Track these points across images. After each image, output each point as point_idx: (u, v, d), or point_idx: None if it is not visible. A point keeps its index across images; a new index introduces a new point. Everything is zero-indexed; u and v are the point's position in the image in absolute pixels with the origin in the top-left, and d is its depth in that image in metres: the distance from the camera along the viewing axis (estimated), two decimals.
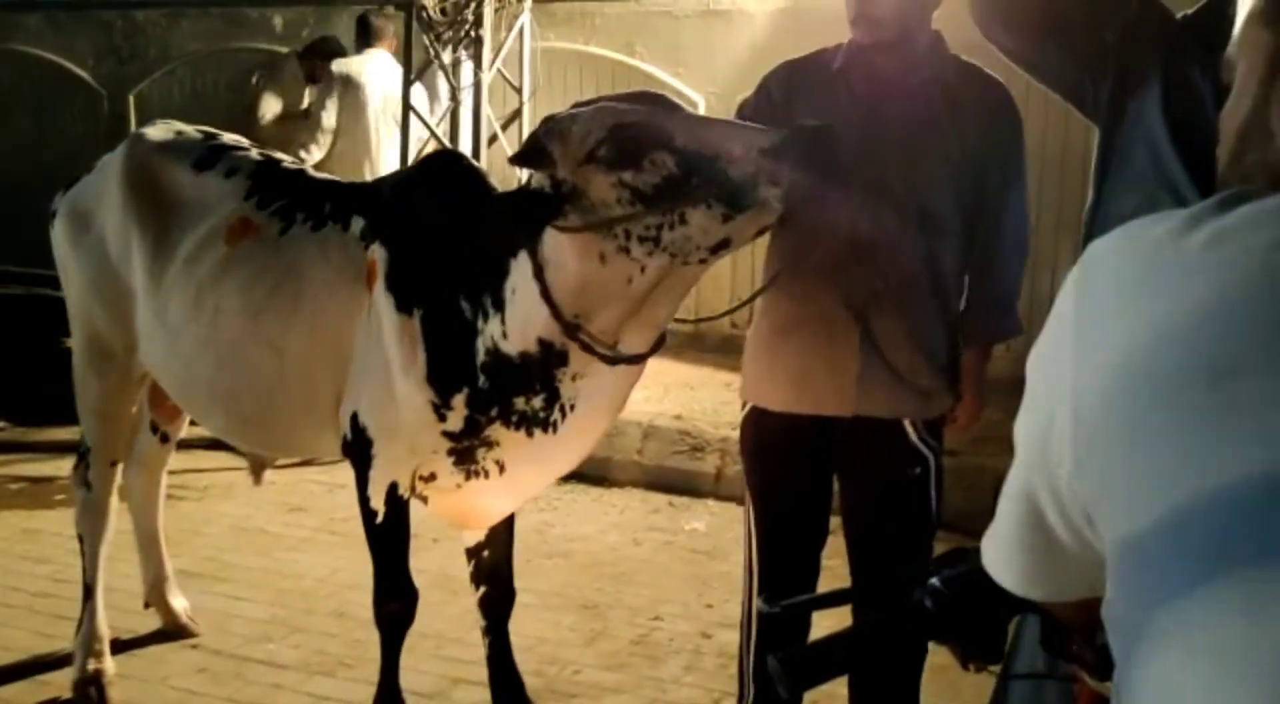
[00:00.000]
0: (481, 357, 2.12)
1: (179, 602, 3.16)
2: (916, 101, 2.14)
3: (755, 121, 2.26)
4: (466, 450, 2.21)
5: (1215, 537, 0.62)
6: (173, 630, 3.12)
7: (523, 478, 2.28)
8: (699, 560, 3.80)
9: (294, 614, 3.29)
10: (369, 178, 4.26)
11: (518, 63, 5.36)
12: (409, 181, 2.46)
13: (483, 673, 2.65)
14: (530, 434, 2.15)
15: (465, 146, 5.04)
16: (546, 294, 2.00)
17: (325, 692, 2.85)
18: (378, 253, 2.23)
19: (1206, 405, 0.63)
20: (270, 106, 5.53)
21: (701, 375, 5.38)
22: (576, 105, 1.97)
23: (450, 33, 5.02)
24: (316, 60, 5.45)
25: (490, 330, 2.10)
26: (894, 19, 2.09)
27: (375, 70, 5.24)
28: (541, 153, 1.91)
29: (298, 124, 5.37)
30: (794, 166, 1.77)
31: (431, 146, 4.99)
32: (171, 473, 3.28)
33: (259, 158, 2.61)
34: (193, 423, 3.02)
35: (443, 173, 2.27)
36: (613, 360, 2.03)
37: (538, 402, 2.12)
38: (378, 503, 2.30)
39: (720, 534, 4.02)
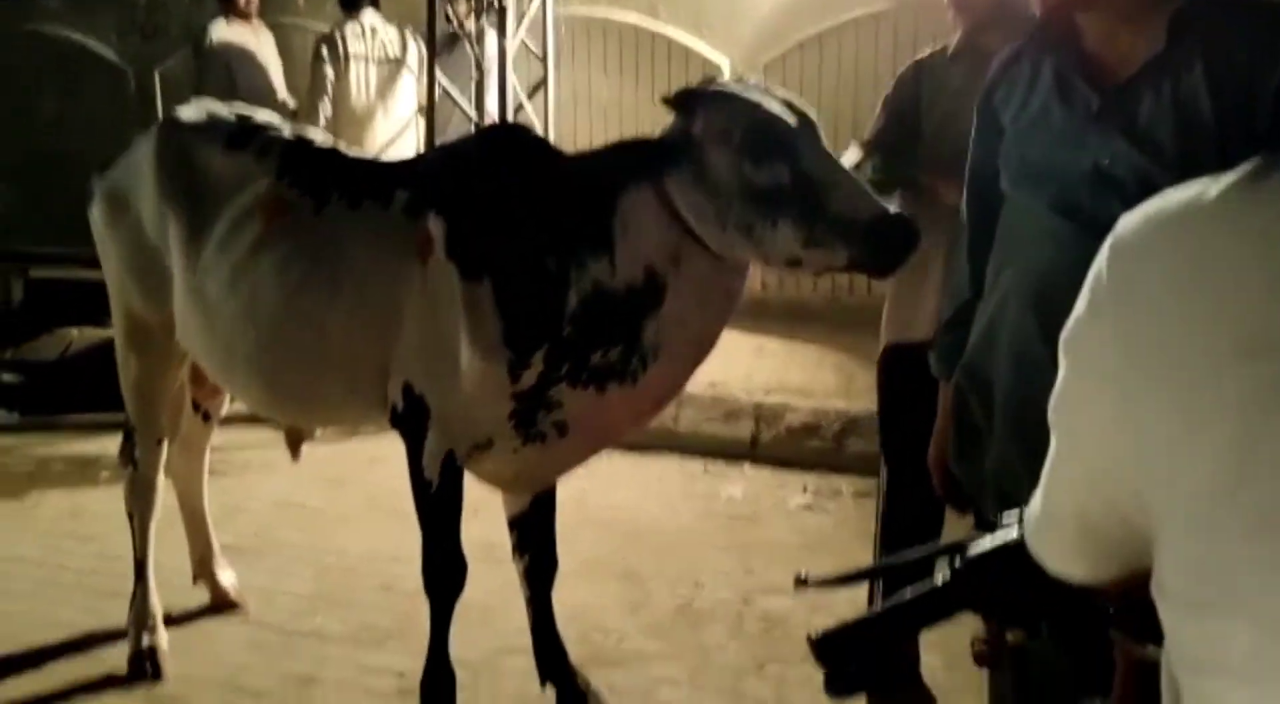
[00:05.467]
0: (574, 305, 2.14)
1: (227, 577, 3.21)
2: None
3: (891, 114, 2.57)
4: (527, 413, 2.22)
5: (1264, 506, 0.61)
6: (221, 605, 3.17)
7: (582, 440, 2.29)
8: (737, 527, 3.81)
9: (339, 588, 3.32)
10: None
11: (540, 31, 5.32)
12: (466, 152, 2.47)
13: (528, 642, 2.67)
14: (602, 389, 2.17)
15: (492, 117, 5.01)
16: (670, 206, 2.07)
17: (374, 663, 2.88)
18: (434, 224, 2.23)
19: (1251, 383, 0.62)
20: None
21: (731, 341, 5.35)
22: (743, 82, 2.17)
23: (473, 2, 4.99)
24: None
25: (591, 273, 2.13)
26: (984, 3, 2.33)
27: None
28: (693, 108, 2.08)
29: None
30: (868, 243, 1.96)
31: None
32: (212, 449, 3.31)
33: (290, 137, 2.61)
34: (233, 400, 3.05)
35: (503, 143, 2.34)
36: (718, 258, 2.10)
37: (614, 354, 2.14)
38: (432, 473, 2.30)
39: (757, 501, 4.03)
